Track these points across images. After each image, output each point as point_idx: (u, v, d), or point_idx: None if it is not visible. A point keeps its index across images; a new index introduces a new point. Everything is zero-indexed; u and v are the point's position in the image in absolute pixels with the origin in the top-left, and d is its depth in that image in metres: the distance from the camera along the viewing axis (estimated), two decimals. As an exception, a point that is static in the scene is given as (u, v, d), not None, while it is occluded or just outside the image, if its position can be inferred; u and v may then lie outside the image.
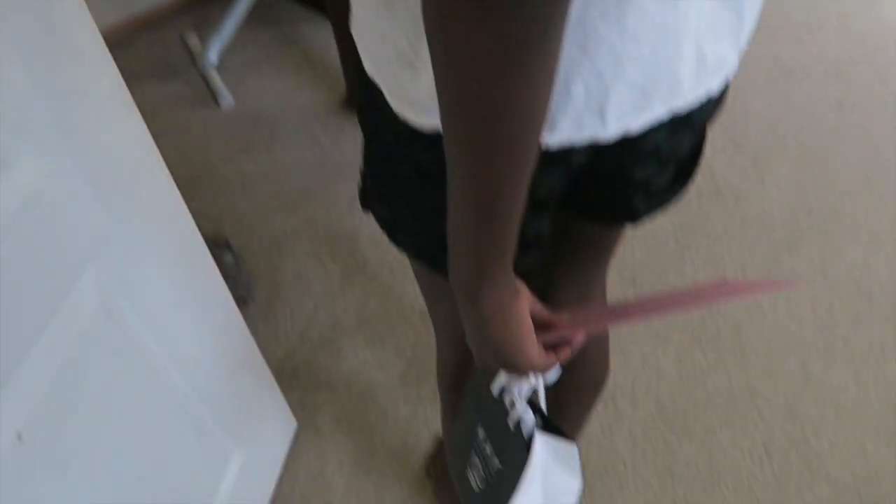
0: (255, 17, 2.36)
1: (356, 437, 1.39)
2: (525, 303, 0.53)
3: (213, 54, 2.21)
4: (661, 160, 0.61)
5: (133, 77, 0.88)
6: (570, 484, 0.67)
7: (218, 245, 1.67)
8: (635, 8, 0.45)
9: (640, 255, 1.67)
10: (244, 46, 2.31)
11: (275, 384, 1.30)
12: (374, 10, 0.51)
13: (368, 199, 0.70)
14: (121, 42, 2.35)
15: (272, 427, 1.32)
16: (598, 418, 1.38)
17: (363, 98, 0.61)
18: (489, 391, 0.70)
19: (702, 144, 0.68)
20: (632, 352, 1.49)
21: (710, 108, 0.59)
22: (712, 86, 0.55)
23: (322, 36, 2.33)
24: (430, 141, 0.54)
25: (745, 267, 1.64)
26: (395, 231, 0.67)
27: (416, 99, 0.52)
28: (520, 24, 0.34)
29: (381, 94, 0.56)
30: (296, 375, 1.49)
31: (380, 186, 0.66)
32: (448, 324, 0.81)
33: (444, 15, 0.35)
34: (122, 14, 2.37)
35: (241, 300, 1.61)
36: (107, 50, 0.76)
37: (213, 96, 2.16)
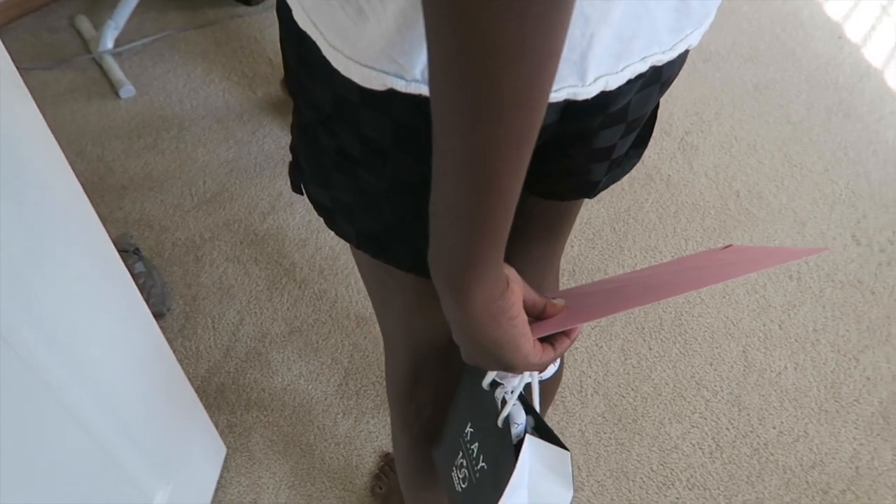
0: (155, -1, 2.17)
1: (293, 458, 1.29)
2: (519, 295, 0.46)
3: (108, 39, 2.01)
4: (628, 122, 0.55)
5: (17, 67, 0.74)
6: (560, 494, 0.62)
7: (127, 252, 1.51)
8: None
9: (579, 247, 1.63)
10: (143, 31, 2.12)
11: (199, 406, 1.18)
12: None
13: (301, 178, 0.60)
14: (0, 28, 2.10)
15: (198, 455, 1.19)
16: (549, 420, 1.34)
17: (291, 56, 0.52)
18: (480, 386, 0.64)
19: (657, 107, 0.63)
20: (577, 346, 1.45)
21: (679, 62, 0.53)
22: (693, 40, 0.50)
23: (232, 19, 2.16)
24: (381, 105, 0.46)
25: (681, 254, 1.63)
26: (333, 216, 0.58)
27: (364, 52, 0.43)
28: None
29: (316, 49, 0.46)
30: (222, 395, 1.37)
31: (316, 164, 0.56)
32: (399, 322, 0.71)
33: None
34: (-2, -5, 2.12)
35: (157, 313, 1.46)
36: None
37: (112, 86, 1.97)
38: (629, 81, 0.48)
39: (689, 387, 1.40)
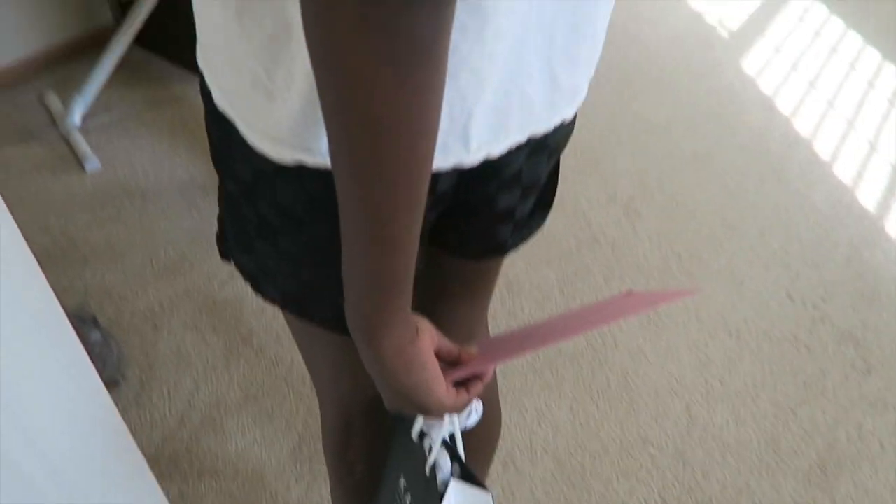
0: (122, 75, 2.25)
1: (246, 525, 1.30)
2: (428, 341, 0.51)
3: (76, 115, 2.07)
4: (523, 186, 0.61)
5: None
6: None
7: (84, 322, 1.53)
8: (492, 24, 0.45)
9: (529, 309, 1.70)
10: (111, 107, 2.19)
11: (150, 476, 1.18)
12: (223, 33, 0.49)
13: (228, 247, 0.66)
14: (-33, 104, 2.16)
15: (149, 524, 1.19)
16: (499, 480, 1.37)
17: (215, 134, 0.58)
18: (410, 436, 0.68)
19: (557, 172, 0.70)
20: (527, 407, 1.50)
21: (563, 132, 0.61)
22: (567, 114, 0.57)
23: (197, 96, 2.25)
24: (293, 177, 0.52)
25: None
26: (258, 280, 0.63)
27: (275, 130, 0.50)
28: (407, 32, 0.34)
29: (234, 127, 0.53)
30: (175, 463, 1.38)
31: (240, 232, 0.62)
32: (328, 380, 0.76)
33: (327, 28, 0.34)
34: (-32, 74, 2.19)
35: (112, 382, 1.48)
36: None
37: (78, 160, 2.02)
38: (514, 151, 0.55)
39: (636, 443, 1.45)
